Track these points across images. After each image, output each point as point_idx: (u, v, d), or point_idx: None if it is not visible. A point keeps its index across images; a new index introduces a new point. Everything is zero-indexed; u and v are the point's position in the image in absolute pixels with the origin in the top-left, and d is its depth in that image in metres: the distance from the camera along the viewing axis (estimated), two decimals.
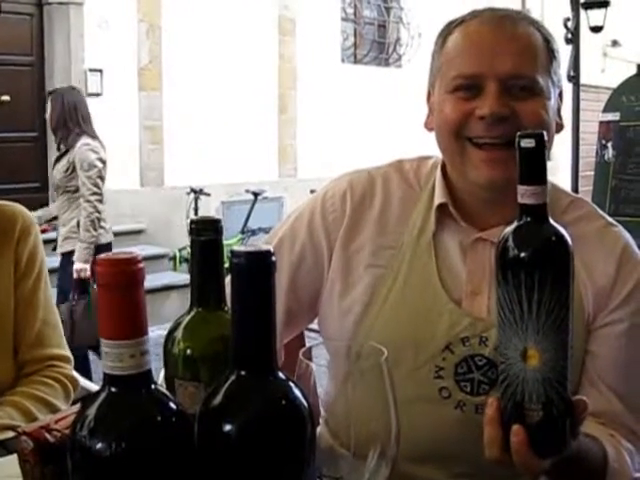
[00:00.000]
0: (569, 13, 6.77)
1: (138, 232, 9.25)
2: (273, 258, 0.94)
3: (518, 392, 1.17)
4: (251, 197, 9.60)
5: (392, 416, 1.09)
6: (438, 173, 1.68)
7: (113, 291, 0.93)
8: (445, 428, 1.58)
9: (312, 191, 9.28)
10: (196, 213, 8.99)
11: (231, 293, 0.95)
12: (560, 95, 1.64)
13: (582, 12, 7.18)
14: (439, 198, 1.64)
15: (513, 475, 1.49)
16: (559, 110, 1.63)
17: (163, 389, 1.01)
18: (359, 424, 1.08)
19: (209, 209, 9.56)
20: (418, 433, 1.51)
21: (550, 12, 11.46)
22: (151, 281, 7.86)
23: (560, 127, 1.63)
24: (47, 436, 1.27)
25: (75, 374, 2.15)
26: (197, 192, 9.13)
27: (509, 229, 1.18)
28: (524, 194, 1.16)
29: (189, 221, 1.38)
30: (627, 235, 1.65)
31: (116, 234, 8.81)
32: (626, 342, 1.57)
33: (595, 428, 1.49)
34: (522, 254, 1.14)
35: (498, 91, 1.50)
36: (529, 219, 1.16)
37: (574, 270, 1.17)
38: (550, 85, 1.57)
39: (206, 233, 1.19)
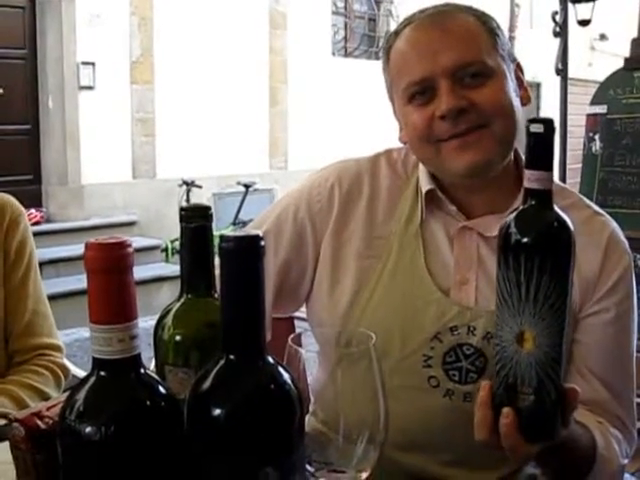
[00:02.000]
0: (557, 7, 6.81)
1: (130, 224, 9.30)
2: (262, 243, 0.94)
3: (511, 375, 1.16)
4: (242, 189, 9.67)
5: (381, 402, 1.09)
6: (421, 164, 1.67)
7: (102, 275, 0.93)
8: (434, 416, 1.58)
9: None
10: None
11: (220, 278, 0.95)
12: (519, 67, 1.62)
13: (570, 6, 7.22)
14: (426, 185, 1.63)
15: (499, 463, 1.57)
16: (522, 83, 1.62)
17: (152, 373, 1.01)
18: (348, 410, 1.09)
19: (201, 201, 9.60)
20: (407, 421, 1.52)
21: (539, 6, 11.52)
22: (143, 272, 7.94)
23: (527, 99, 1.62)
24: (39, 423, 1.27)
25: (66, 362, 2.14)
26: (189, 184, 9.23)
27: (513, 214, 1.17)
28: (530, 178, 1.15)
29: (179, 208, 1.41)
30: (614, 224, 1.64)
31: (108, 226, 8.91)
32: (612, 331, 1.58)
33: (583, 415, 1.49)
34: (524, 238, 1.13)
35: (450, 86, 1.49)
36: (533, 203, 1.15)
37: (575, 258, 1.16)
38: (501, 62, 1.55)
39: (196, 220, 1.20)
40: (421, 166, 1.66)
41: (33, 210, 8.52)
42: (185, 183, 9.25)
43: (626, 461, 1.55)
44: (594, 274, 1.57)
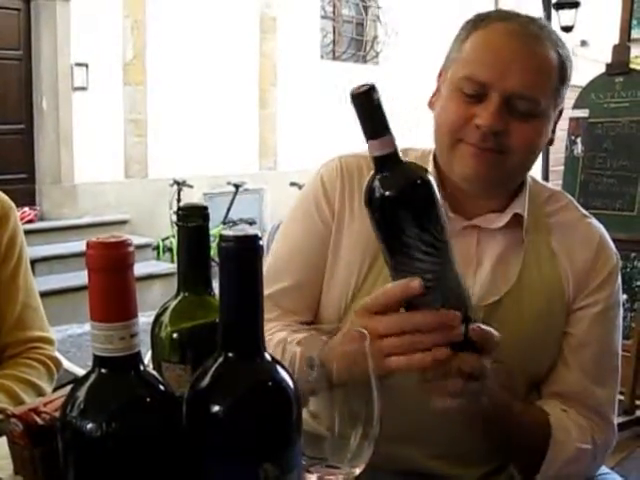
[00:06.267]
0: (541, 13, 6.97)
1: (122, 222, 9.38)
2: (261, 242, 0.94)
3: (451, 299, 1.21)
4: (232, 189, 9.77)
5: (374, 397, 1.10)
6: (430, 164, 1.67)
7: (103, 274, 0.92)
8: (425, 408, 1.55)
9: (292, 183, 9.34)
10: (179, 204, 9.15)
11: (219, 276, 0.95)
12: (560, 113, 1.64)
13: (553, 12, 7.39)
14: None
15: (485, 458, 1.64)
16: (555, 125, 1.63)
17: (152, 371, 1.02)
18: (342, 406, 1.10)
19: (192, 200, 9.66)
20: (398, 413, 1.49)
21: (523, 11, 11.65)
22: (135, 270, 7.86)
23: (550, 141, 1.64)
24: (36, 418, 1.28)
25: (58, 355, 2.14)
26: (180, 184, 9.30)
27: (370, 184, 1.19)
28: (375, 148, 1.16)
29: (177, 208, 1.42)
30: (601, 227, 1.71)
31: (101, 224, 9.01)
32: (600, 323, 1.64)
33: (546, 403, 1.60)
34: (394, 200, 1.16)
35: (500, 104, 1.50)
36: (386, 167, 1.17)
37: (439, 199, 1.19)
38: (552, 106, 1.57)
39: (193, 219, 1.21)
40: (430, 169, 1.66)
41: (27, 208, 8.63)
42: (176, 183, 9.33)
43: (587, 447, 1.58)
44: (586, 269, 1.64)
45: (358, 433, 1.09)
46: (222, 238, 0.93)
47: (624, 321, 4.73)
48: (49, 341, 2.11)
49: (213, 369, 0.96)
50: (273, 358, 0.99)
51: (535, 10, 7.11)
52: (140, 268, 8.28)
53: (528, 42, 1.53)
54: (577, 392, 1.62)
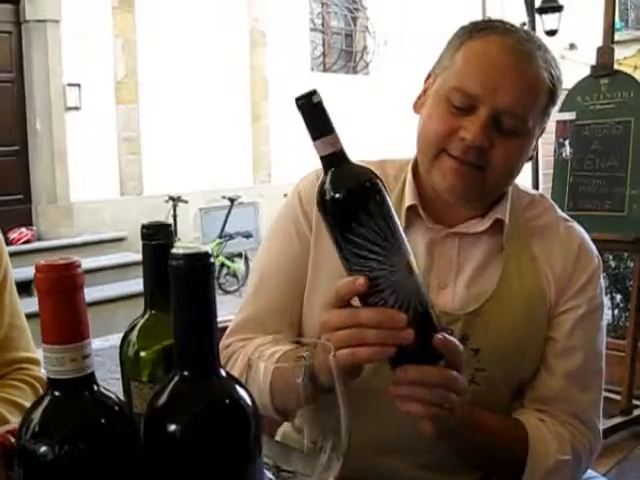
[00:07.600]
0: (525, 18, 7.03)
1: (119, 240, 9.45)
2: (211, 259, 0.93)
3: (418, 302, 1.21)
4: (227, 203, 9.87)
5: (342, 411, 1.08)
6: (409, 175, 1.66)
7: (53, 296, 0.92)
8: (410, 419, 1.43)
9: (286, 195, 9.49)
10: (175, 220, 9.24)
11: (172, 295, 0.94)
12: (543, 130, 1.63)
13: (537, 17, 7.46)
14: (409, 200, 1.63)
15: (474, 467, 1.63)
16: (537, 146, 1.64)
17: (106, 391, 0.99)
18: (311, 420, 1.10)
19: (187, 216, 9.79)
20: (383, 424, 1.50)
21: (508, 17, 11.75)
22: (131, 287, 8.13)
23: (530, 158, 1.63)
24: (12, 440, 1.22)
25: (44, 375, 2.03)
26: (175, 200, 9.40)
27: (320, 186, 1.20)
28: (321, 148, 1.19)
29: (140, 226, 1.42)
30: (582, 229, 1.70)
31: (97, 242, 9.05)
32: (583, 326, 1.62)
33: (524, 413, 1.59)
34: (338, 198, 1.17)
35: (487, 120, 1.49)
36: (333, 167, 1.19)
37: (388, 199, 1.20)
38: (537, 125, 1.57)
39: (157, 237, 1.20)
40: (409, 179, 1.66)
41: (24, 229, 8.67)
42: (171, 199, 9.42)
43: (567, 458, 1.56)
44: (567, 273, 1.62)
45: (328, 447, 1.08)
46: (171, 256, 0.92)
47: (619, 321, 4.72)
48: (35, 361, 2.05)
49: (169, 388, 0.95)
50: (229, 375, 0.98)
51: (519, 15, 7.18)
52: (136, 285, 8.31)
53: (522, 59, 1.52)
54: (559, 398, 1.61)
